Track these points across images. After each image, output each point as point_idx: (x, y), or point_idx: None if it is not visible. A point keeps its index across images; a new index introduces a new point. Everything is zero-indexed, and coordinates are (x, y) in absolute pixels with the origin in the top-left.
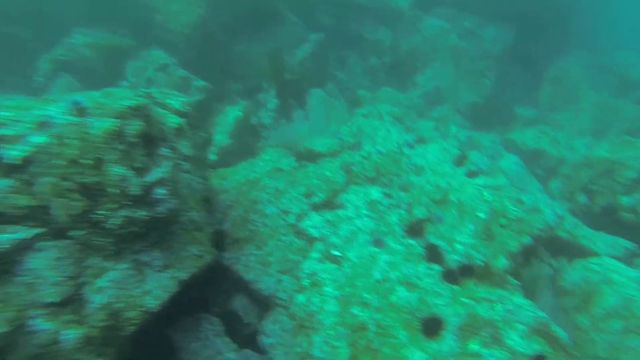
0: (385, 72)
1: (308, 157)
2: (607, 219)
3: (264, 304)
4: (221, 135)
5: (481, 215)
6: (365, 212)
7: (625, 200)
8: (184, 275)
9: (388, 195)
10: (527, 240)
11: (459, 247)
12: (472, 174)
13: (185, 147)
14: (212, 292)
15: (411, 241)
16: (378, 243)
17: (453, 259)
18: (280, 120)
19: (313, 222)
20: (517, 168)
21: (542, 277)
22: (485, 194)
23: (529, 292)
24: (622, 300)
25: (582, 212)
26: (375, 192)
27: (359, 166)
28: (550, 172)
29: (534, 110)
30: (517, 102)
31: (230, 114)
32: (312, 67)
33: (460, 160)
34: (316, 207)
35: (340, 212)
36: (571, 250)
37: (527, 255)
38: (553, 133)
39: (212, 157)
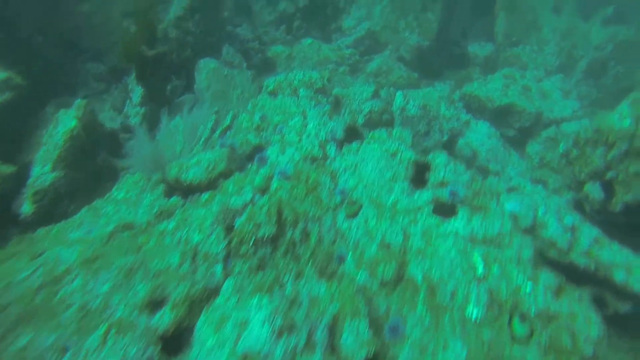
0: (302, 18)
1: (180, 189)
2: (635, 222)
3: None
4: (41, 165)
5: (474, 312)
6: None
7: None
8: None
9: (288, 329)
10: None
11: None
12: (443, 209)
13: None
14: None
15: None
16: None
17: None
18: (147, 120)
19: None
20: (490, 141)
21: None
22: (475, 258)
23: None
24: None
25: (593, 211)
26: (257, 326)
27: (249, 214)
28: (525, 132)
29: (490, 46)
30: (469, 37)
31: (62, 125)
32: (197, 27)
33: (418, 175)
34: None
35: None
36: (597, 288)
37: None
38: (521, 78)
39: (26, 209)
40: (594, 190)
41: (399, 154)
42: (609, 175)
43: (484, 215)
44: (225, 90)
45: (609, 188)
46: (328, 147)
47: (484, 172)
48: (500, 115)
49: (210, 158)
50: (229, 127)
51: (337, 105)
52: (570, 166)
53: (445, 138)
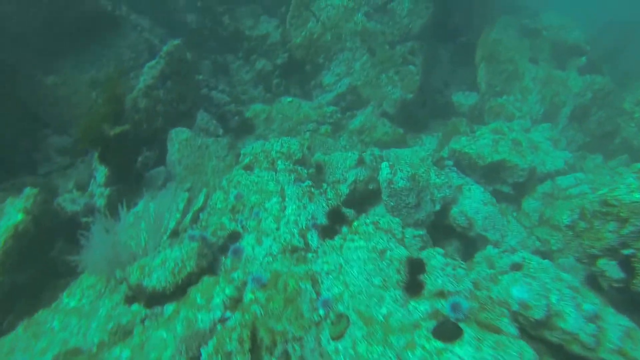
0: (281, 76)
1: (143, 294)
2: None
3: None
4: None
5: None
6: None
7: None
8: None
9: None
10: None
11: None
12: (444, 327)
13: None
14: None
15: None
16: None
17: None
18: (110, 204)
19: None
20: (486, 208)
21: None
22: None
23: None
24: None
25: (612, 289)
26: None
27: (217, 343)
28: (519, 188)
29: (474, 95)
30: (451, 86)
31: (6, 219)
32: (168, 95)
33: (412, 275)
34: None
35: None
36: None
37: None
38: (510, 132)
39: None
40: (611, 269)
41: (388, 252)
42: (626, 252)
43: (497, 342)
44: (199, 162)
45: (627, 266)
46: (309, 235)
47: (482, 242)
48: (492, 172)
49: (177, 257)
50: (201, 209)
51: (319, 174)
52: (577, 238)
53: (437, 208)
